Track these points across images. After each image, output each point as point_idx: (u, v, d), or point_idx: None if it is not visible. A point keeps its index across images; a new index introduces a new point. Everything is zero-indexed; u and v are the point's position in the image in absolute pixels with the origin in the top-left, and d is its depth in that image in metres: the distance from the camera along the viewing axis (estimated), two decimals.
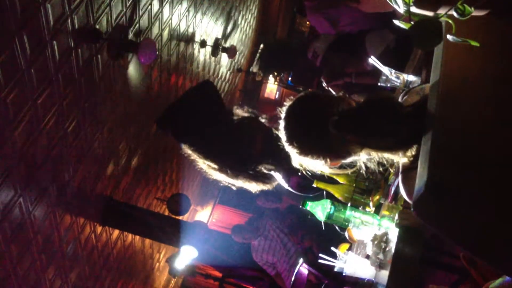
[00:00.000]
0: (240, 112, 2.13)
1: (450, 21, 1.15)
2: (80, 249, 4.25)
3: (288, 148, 1.57)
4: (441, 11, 1.15)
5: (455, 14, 1.14)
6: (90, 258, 4.52)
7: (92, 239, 4.47)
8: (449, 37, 1.17)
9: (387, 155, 1.48)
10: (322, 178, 2.52)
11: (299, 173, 1.69)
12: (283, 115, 1.59)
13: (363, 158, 1.52)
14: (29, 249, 3.41)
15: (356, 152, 1.49)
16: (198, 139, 2.10)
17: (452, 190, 1.13)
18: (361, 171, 1.57)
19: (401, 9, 1.20)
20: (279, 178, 2.08)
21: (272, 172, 2.04)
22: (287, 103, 1.61)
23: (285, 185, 2.12)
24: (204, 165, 2.12)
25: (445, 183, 1.13)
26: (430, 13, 1.17)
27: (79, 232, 4.13)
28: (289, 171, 1.93)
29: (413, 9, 1.19)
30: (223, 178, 2.10)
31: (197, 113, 2.10)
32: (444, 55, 1.26)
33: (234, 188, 2.13)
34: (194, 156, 2.13)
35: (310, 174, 1.66)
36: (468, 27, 1.17)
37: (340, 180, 2.54)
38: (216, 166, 2.07)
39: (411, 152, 1.43)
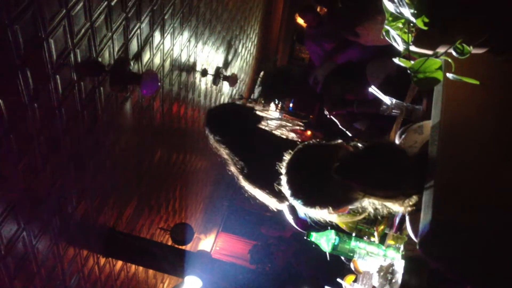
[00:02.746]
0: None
1: (449, 60, 1.16)
2: (84, 282, 4.22)
3: (293, 202, 1.57)
4: (440, 50, 1.17)
5: (454, 53, 1.15)
6: None
7: (96, 271, 4.44)
8: (449, 75, 1.18)
9: (388, 203, 1.48)
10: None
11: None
12: (284, 170, 1.59)
13: (370, 205, 1.51)
14: (32, 283, 3.39)
15: (359, 199, 1.49)
16: (229, 137, 2.13)
17: (457, 229, 1.12)
18: (370, 215, 1.56)
19: (400, 47, 1.21)
20: (286, 213, 2.08)
21: (281, 207, 2.04)
22: (286, 157, 1.61)
23: (291, 221, 2.12)
24: (233, 168, 2.13)
25: (450, 222, 1.13)
26: (429, 52, 1.19)
27: (82, 264, 4.11)
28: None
29: (413, 48, 1.20)
30: (245, 186, 2.11)
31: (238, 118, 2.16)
32: (444, 93, 1.27)
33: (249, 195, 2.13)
34: (225, 155, 2.16)
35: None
36: (467, 65, 1.19)
37: (341, 225, 2.53)
38: (242, 173, 2.08)
39: (411, 201, 1.42)
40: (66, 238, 3.68)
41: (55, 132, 3.09)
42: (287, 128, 2.16)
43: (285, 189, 1.58)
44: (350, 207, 1.56)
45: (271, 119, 2.18)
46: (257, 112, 2.18)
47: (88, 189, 3.78)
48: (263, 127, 2.15)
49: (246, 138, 2.10)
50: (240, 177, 2.09)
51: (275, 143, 2.09)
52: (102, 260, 4.55)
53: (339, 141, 1.58)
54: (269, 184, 1.97)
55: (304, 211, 1.59)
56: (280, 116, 2.32)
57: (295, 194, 1.55)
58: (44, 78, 2.84)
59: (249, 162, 2.06)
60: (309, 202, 1.54)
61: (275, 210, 2.11)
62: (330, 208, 1.52)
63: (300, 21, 7.31)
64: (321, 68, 3.75)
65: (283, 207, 2.08)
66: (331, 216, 1.56)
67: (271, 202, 2.06)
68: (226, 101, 7.43)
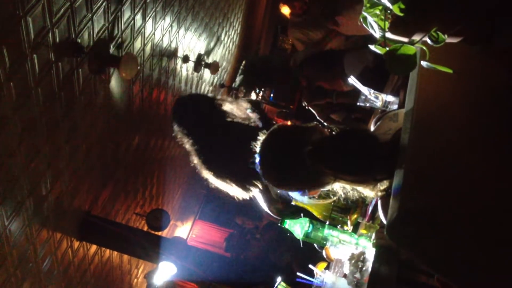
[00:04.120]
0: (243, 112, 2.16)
1: (424, 48, 1.18)
2: (56, 265, 4.19)
3: (266, 181, 1.58)
4: (416, 38, 1.18)
5: (429, 41, 1.16)
6: (67, 274, 4.45)
7: (69, 255, 4.41)
8: (423, 63, 1.20)
9: (359, 188, 1.50)
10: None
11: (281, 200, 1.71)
12: (257, 149, 1.60)
13: (340, 189, 1.54)
14: (4, 264, 3.35)
15: (330, 183, 1.51)
16: (194, 129, 2.12)
17: (424, 216, 1.14)
18: (340, 198, 1.57)
19: (377, 34, 1.22)
20: (260, 200, 2.09)
21: (255, 193, 2.05)
22: (261, 137, 1.61)
23: (265, 208, 2.13)
24: (196, 159, 2.13)
25: (418, 208, 1.15)
26: (405, 39, 1.20)
27: (55, 247, 4.08)
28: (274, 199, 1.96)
29: (389, 35, 1.21)
30: (209, 177, 2.11)
31: (200, 111, 2.15)
32: (418, 81, 1.29)
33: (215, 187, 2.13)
34: (188, 146, 2.15)
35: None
36: (442, 53, 1.20)
37: (315, 213, 2.55)
38: (206, 164, 2.08)
39: (382, 186, 1.45)
40: (39, 220, 3.65)
41: (31, 112, 3.05)
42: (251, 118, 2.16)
43: (258, 168, 1.59)
44: (321, 189, 1.57)
45: (236, 113, 2.17)
46: (222, 103, 2.18)
47: (64, 171, 3.75)
48: (228, 118, 2.15)
49: (210, 129, 2.10)
50: (203, 168, 2.09)
51: (239, 133, 2.09)
52: (76, 244, 4.52)
53: (315, 123, 1.59)
54: (233, 173, 1.98)
55: (277, 191, 1.60)
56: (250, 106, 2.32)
57: (267, 174, 1.56)
58: (20, 57, 2.79)
59: (212, 153, 2.06)
60: (281, 183, 1.55)
61: (240, 199, 2.11)
62: (301, 190, 1.54)
63: (284, 11, 7.29)
64: (302, 52, 3.74)
65: (256, 194, 2.08)
66: (302, 198, 1.58)
67: (236, 192, 2.07)
68: (207, 89, 7.40)
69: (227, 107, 2.17)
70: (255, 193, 2.08)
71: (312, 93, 3.62)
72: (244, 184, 2.05)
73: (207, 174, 2.10)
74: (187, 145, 2.15)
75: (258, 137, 1.61)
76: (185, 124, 2.16)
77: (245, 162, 2.02)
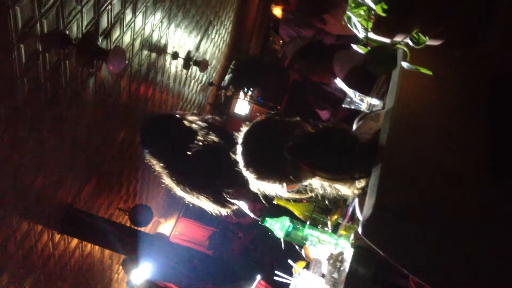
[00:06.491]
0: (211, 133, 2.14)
1: (405, 49, 1.19)
2: (36, 257, 4.16)
3: (246, 173, 1.58)
4: (397, 39, 1.19)
5: (410, 42, 1.18)
6: (46, 267, 4.43)
7: (49, 247, 4.39)
8: (403, 64, 1.21)
9: (337, 185, 1.52)
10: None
11: (262, 202, 1.71)
12: (240, 140, 1.60)
13: (319, 185, 1.55)
14: None
15: (308, 179, 1.52)
16: (165, 154, 2.10)
17: (399, 214, 1.15)
18: (318, 195, 1.58)
19: (360, 34, 1.23)
20: (244, 207, 2.09)
21: (237, 201, 2.05)
22: (244, 128, 1.62)
23: (250, 214, 2.13)
24: (167, 180, 2.11)
25: (393, 206, 1.16)
26: (387, 40, 1.21)
27: (36, 240, 4.05)
28: (253, 199, 1.95)
29: (371, 35, 1.23)
30: (184, 195, 2.10)
31: (169, 132, 2.13)
32: (399, 82, 1.31)
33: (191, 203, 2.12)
34: (159, 169, 2.13)
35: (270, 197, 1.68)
36: (423, 55, 1.22)
37: (296, 212, 2.56)
38: (179, 183, 2.07)
39: (360, 184, 1.46)
40: (20, 211, 3.63)
41: (16, 102, 3.03)
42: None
43: (239, 159, 1.59)
44: (299, 184, 1.58)
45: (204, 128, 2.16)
46: (191, 125, 2.16)
47: (47, 163, 3.73)
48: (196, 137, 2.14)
49: (179, 150, 2.10)
50: (178, 188, 2.08)
51: (208, 152, 2.09)
52: (57, 237, 4.49)
53: (298, 118, 1.60)
54: (207, 190, 1.99)
55: (256, 185, 1.60)
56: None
57: (247, 166, 1.57)
58: (7, 46, 2.78)
59: (184, 173, 2.05)
60: (260, 175, 1.56)
61: (218, 214, 2.12)
62: (282, 183, 1.55)
63: (276, 11, 7.30)
64: (291, 43, 3.71)
65: (240, 204, 2.09)
66: (282, 191, 1.58)
67: (214, 208, 2.07)
68: (195, 86, 7.40)
69: (190, 124, 2.16)
70: (237, 202, 2.08)
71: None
72: (219, 200, 2.05)
73: (180, 193, 2.10)
74: (157, 167, 2.14)
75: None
76: (155, 147, 2.14)
77: (218, 179, 2.02)
